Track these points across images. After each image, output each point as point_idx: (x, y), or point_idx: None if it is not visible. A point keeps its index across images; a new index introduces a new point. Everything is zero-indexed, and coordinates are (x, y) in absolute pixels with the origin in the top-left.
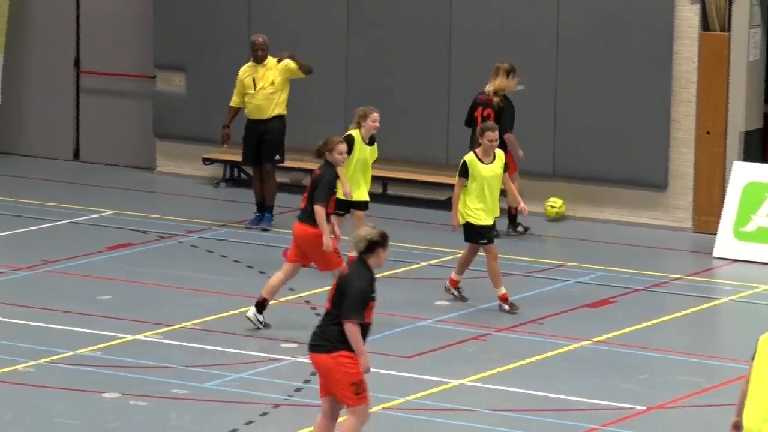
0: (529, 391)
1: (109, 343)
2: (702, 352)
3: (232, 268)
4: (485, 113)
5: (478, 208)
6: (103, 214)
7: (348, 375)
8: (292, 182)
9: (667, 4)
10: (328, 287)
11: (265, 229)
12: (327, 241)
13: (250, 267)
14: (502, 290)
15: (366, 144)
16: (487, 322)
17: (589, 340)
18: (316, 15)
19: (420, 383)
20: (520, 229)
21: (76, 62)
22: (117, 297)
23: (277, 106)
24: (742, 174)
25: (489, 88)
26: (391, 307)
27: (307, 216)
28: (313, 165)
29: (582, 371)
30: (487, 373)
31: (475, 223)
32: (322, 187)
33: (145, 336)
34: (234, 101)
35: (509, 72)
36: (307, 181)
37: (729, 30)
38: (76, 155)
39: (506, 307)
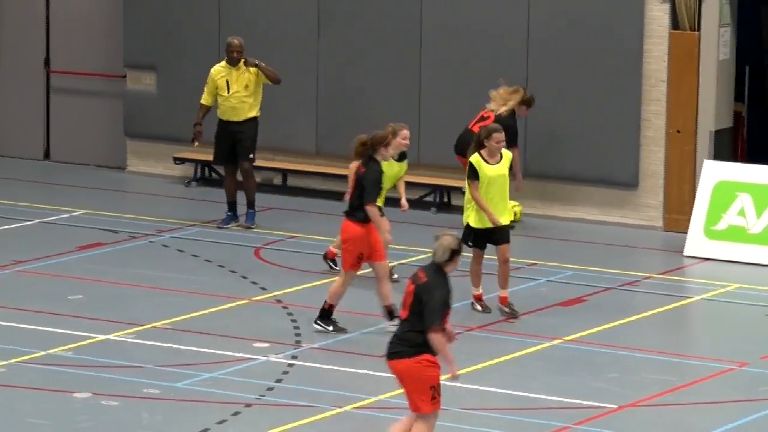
0: (500, 390)
1: (80, 343)
2: (673, 351)
3: (204, 267)
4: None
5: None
6: (74, 213)
7: (428, 378)
8: (264, 181)
9: (637, 3)
10: (301, 286)
11: (249, 227)
12: (386, 236)
13: (221, 266)
14: (480, 291)
15: (395, 161)
16: (459, 322)
17: (560, 339)
18: (287, 14)
19: (392, 382)
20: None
21: (46, 62)
22: (88, 297)
23: (251, 109)
24: (713, 173)
25: (503, 108)
26: (362, 306)
27: (354, 210)
28: (282, 164)
29: (554, 370)
30: (460, 372)
31: (474, 225)
32: (370, 185)
33: (117, 336)
34: (205, 99)
35: (529, 104)
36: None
37: (699, 29)
38: (47, 155)
39: (478, 307)
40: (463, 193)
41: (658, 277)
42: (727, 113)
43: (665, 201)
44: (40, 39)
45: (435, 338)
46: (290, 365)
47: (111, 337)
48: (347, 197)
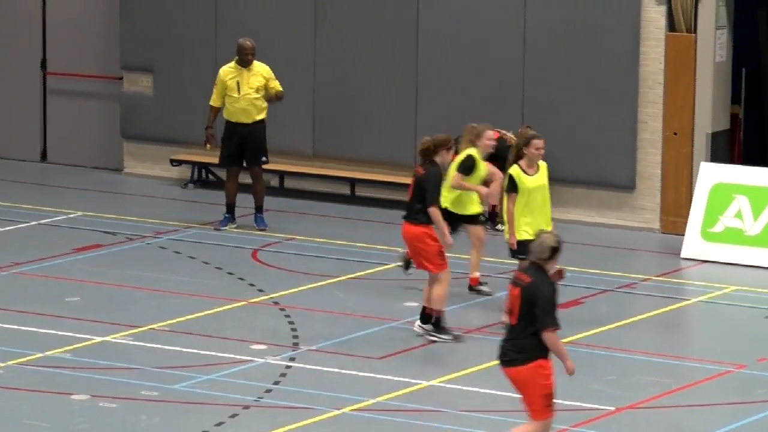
0: (498, 392)
1: (78, 345)
2: (670, 353)
3: (201, 269)
4: None
5: (524, 222)
6: (71, 215)
7: (542, 387)
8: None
9: (633, 5)
10: (298, 288)
11: (263, 230)
12: (448, 239)
13: (219, 268)
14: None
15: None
16: (457, 324)
17: None
18: (283, 16)
19: (390, 384)
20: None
21: (43, 64)
22: (86, 298)
23: (260, 111)
24: (710, 175)
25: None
26: (361, 308)
27: (414, 214)
28: (279, 165)
29: None
30: (456, 375)
31: (520, 238)
32: (433, 188)
33: (115, 338)
34: (214, 101)
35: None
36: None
37: (695, 31)
38: (44, 156)
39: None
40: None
41: (656, 280)
42: (723, 115)
43: (662, 203)
44: (37, 41)
45: (550, 338)
46: (288, 367)
47: (109, 339)
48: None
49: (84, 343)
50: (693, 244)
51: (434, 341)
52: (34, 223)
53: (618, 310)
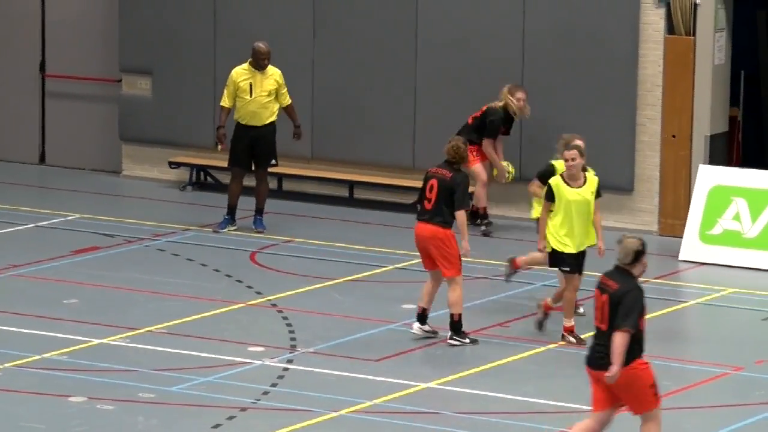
0: (496, 394)
1: (75, 347)
2: (668, 355)
3: (199, 271)
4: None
5: (562, 234)
6: (69, 217)
7: (645, 379)
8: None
9: (632, 8)
10: (296, 291)
11: (261, 232)
12: (467, 245)
13: (216, 271)
14: (571, 322)
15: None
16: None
17: (555, 343)
18: (282, 18)
19: (387, 386)
20: (482, 228)
21: (42, 66)
22: (83, 301)
23: (271, 114)
24: (708, 177)
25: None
26: (358, 310)
27: (440, 216)
28: (277, 168)
29: (549, 374)
30: (454, 377)
31: (558, 249)
32: (464, 192)
33: (112, 340)
34: (226, 102)
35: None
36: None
37: (694, 34)
38: (42, 159)
39: (571, 339)
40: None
41: (654, 282)
42: (722, 118)
43: (660, 205)
44: (36, 43)
45: (621, 337)
46: (285, 369)
47: (106, 341)
48: (428, 206)
49: (82, 346)
50: (691, 247)
51: (454, 345)
52: (32, 225)
53: None
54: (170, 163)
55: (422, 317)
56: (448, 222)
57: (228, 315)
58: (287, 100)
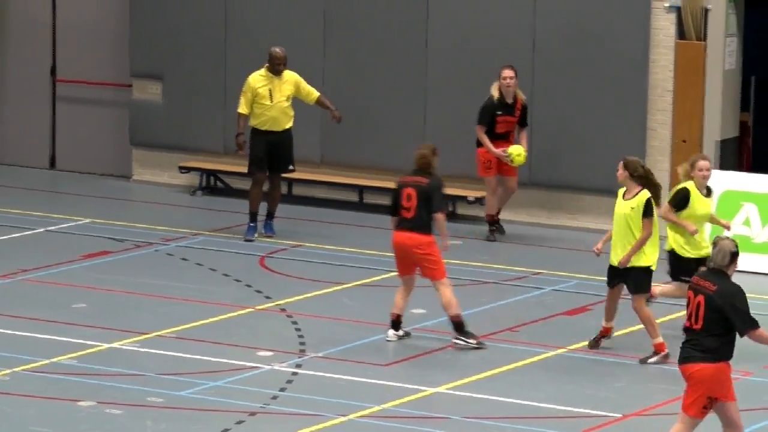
0: (504, 399)
1: (84, 352)
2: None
3: (208, 276)
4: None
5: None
6: (79, 222)
7: (710, 390)
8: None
9: (643, 12)
10: (305, 295)
11: (269, 236)
12: (447, 243)
13: (226, 275)
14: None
15: (704, 196)
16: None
17: (564, 348)
18: (293, 23)
19: (395, 391)
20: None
21: (53, 70)
22: (92, 305)
23: (290, 119)
24: (719, 182)
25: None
26: (367, 315)
27: (417, 224)
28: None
29: (558, 379)
30: (463, 381)
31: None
32: (442, 196)
33: (121, 344)
34: (243, 109)
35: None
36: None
37: (705, 39)
38: (53, 163)
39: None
40: (469, 202)
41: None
42: (732, 123)
43: None
44: (47, 48)
45: (759, 336)
46: (294, 374)
47: (115, 345)
48: (408, 215)
49: (91, 350)
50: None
51: (460, 346)
52: (42, 230)
53: (626, 316)
54: (180, 168)
55: (397, 323)
56: (430, 228)
57: (237, 319)
58: (315, 93)
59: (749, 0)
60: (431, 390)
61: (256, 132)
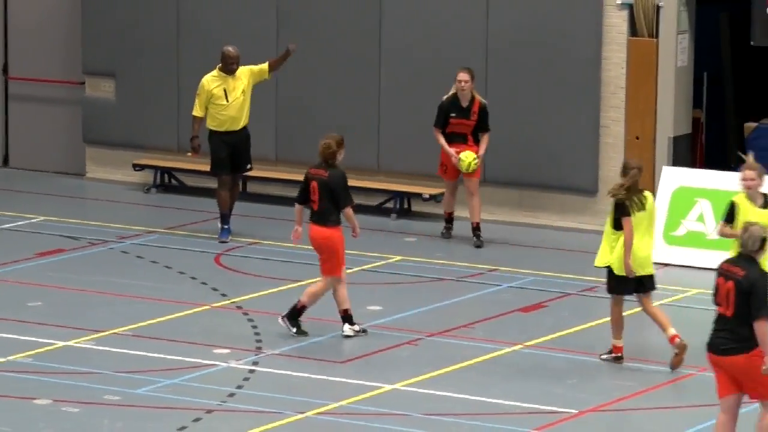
0: (462, 396)
1: (40, 350)
2: (633, 356)
3: (164, 274)
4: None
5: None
6: (33, 220)
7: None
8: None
9: (595, 10)
10: (261, 293)
11: (223, 241)
12: (357, 230)
13: (181, 273)
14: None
15: (759, 207)
16: (419, 327)
17: (521, 345)
18: (245, 20)
19: (353, 388)
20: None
21: (5, 68)
22: (48, 303)
23: (246, 118)
24: (672, 179)
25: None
26: (324, 311)
27: (323, 217)
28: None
29: (514, 376)
30: (421, 378)
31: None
32: (345, 189)
33: (77, 342)
34: (198, 111)
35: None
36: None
37: (657, 36)
38: (5, 161)
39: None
40: (424, 199)
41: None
42: (685, 119)
43: None
44: None
45: (762, 326)
46: (251, 371)
47: (71, 343)
48: (315, 207)
49: (46, 348)
50: (656, 248)
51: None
52: None
53: (581, 313)
54: (134, 166)
55: (349, 318)
56: (337, 221)
57: (193, 317)
58: (265, 65)
59: None
60: (389, 387)
61: (214, 133)
